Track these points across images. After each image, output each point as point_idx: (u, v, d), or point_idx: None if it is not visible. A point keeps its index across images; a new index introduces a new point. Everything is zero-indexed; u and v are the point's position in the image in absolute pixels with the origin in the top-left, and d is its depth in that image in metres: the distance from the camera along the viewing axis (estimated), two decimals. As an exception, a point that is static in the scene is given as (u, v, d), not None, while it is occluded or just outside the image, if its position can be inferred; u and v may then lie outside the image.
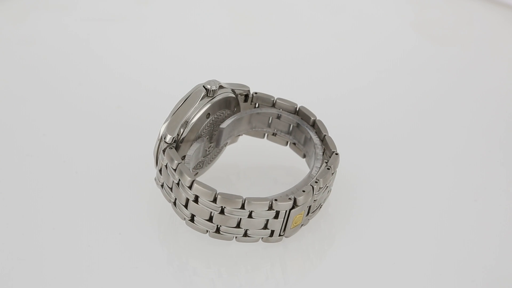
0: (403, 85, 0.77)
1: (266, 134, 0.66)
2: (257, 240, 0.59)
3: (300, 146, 0.65)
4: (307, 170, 0.64)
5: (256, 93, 0.64)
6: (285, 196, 0.58)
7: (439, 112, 0.73)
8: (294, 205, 0.58)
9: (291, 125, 0.64)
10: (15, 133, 0.68)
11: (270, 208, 0.58)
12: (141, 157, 0.66)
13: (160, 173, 0.59)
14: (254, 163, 0.67)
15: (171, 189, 0.59)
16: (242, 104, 0.64)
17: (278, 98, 0.64)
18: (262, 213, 0.58)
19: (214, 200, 0.57)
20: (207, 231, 0.59)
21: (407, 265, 0.60)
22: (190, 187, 0.57)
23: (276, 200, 0.58)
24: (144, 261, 0.59)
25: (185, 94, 0.61)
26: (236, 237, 0.59)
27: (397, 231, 0.62)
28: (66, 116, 0.70)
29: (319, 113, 0.64)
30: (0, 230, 0.60)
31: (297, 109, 0.64)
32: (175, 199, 0.59)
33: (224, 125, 0.62)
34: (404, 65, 0.79)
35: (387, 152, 0.69)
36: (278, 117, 0.64)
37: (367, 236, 0.62)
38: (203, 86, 0.61)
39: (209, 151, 0.63)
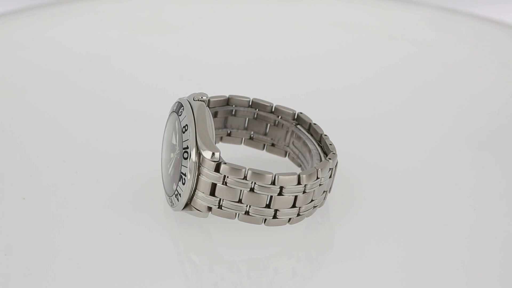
0: (403, 83, 0.77)
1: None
2: (311, 213, 0.60)
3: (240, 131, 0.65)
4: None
5: None
6: (328, 159, 0.60)
7: (439, 113, 0.73)
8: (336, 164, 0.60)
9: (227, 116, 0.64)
10: (14, 133, 0.68)
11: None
12: (141, 157, 0.66)
13: (213, 195, 0.58)
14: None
15: (239, 201, 0.58)
16: None
17: (211, 97, 0.63)
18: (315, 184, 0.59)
19: (299, 183, 0.57)
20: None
21: (407, 264, 0.60)
22: (274, 183, 0.57)
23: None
24: (145, 261, 0.59)
25: (184, 114, 0.59)
26: (289, 219, 0.59)
27: (396, 232, 0.62)
28: (66, 116, 0.70)
29: (318, 110, 0.64)
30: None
31: (228, 99, 0.64)
32: (248, 206, 0.58)
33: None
34: (405, 64, 0.79)
35: (387, 151, 0.69)
36: (215, 115, 0.64)
37: (366, 237, 0.62)
38: (196, 100, 0.60)
39: None
